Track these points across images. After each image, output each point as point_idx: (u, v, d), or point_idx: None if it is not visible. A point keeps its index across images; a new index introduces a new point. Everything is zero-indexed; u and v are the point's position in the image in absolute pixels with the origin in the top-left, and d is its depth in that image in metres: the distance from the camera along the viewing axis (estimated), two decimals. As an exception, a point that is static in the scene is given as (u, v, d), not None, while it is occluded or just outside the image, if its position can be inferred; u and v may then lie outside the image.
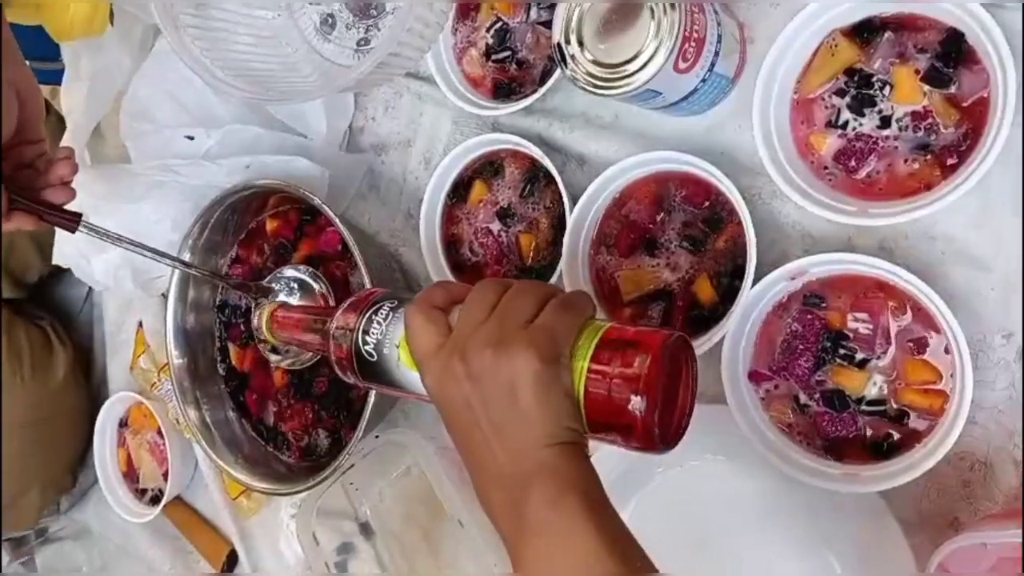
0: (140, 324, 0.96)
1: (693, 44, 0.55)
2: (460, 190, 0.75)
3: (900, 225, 0.57)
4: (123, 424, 1.02)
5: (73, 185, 0.66)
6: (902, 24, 0.55)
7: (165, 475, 0.96)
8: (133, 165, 0.78)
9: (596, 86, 0.56)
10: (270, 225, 0.83)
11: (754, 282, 0.58)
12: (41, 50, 0.87)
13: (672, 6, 0.53)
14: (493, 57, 0.72)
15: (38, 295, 1.09)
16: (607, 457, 0.67)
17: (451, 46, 0.75)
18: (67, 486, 1.11)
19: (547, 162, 0.67)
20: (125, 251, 0.73)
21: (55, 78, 0.91)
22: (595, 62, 0.56)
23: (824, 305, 0.58)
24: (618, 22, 0.55)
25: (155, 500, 0.99)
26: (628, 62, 0.55)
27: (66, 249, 0.84)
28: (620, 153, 0.68)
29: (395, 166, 0.83)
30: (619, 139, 0.68)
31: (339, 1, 0.76)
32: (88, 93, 0.77)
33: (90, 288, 1.08)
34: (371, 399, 0.69)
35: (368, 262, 0.70)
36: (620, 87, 0.55)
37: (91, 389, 1.09)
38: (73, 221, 0.65)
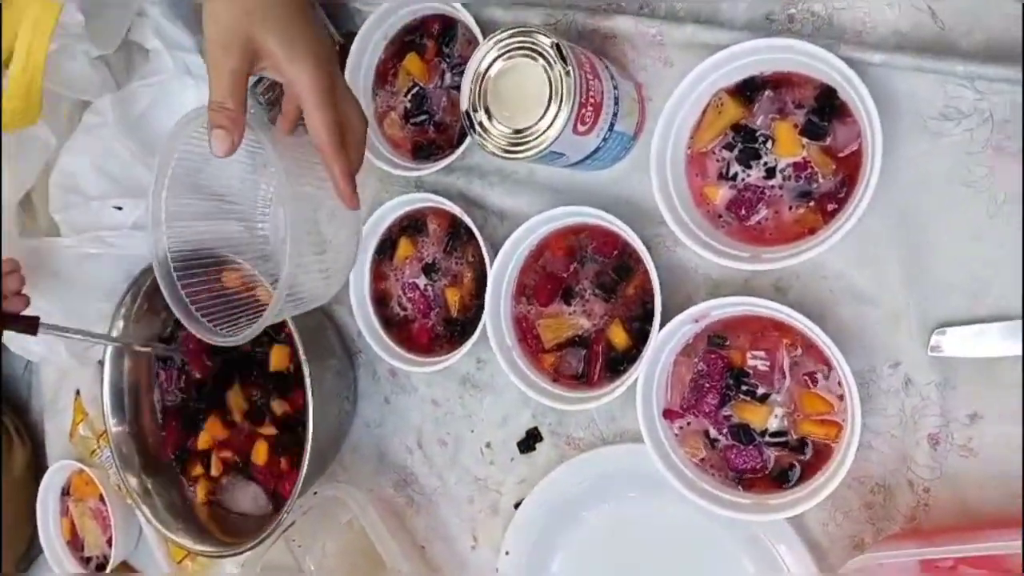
0: (77, 392, 0.97)
1: (591, 108, 0.59)
2: (387, 247, 0.77)
3: (792, 267, 0.61)
4: (65, 492, 1.02)
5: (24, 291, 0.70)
6: (780, 82, 0.59)
7: (109, 541, 0.96)
8: (63, 238, 0.79)
9: (504, 150, 0.59)
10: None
11: (661, 325, 0.62)
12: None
13: (567, 74, 0.57)
14: (411, 120, 0.76)
15: None
16: (532, 510, 0.70)
17: (372, 111, 0.78)
18: (19, 566, 1.11)
19: (467, 218, 0.70)
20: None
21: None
22: (502, 128, 0.59)
23: (727, 344, 0.62)
24: (519, 90, 0.59)
25: (101, 567, 0.98)
26: (530, 127, 0.58)
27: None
28: (535, 207, 0.71)
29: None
30: (534, 194, 0.72)
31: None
32: (10, 171, 0.79)
33: (28, 361, 1.08)
34: (307, 456, 0.71)
35: (299, 325, 0.72)
36: (525, 151, 0.59)
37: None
38: (33, 325, 0.71)
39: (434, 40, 0.74)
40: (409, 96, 0.76)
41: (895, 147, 0.57)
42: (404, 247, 0.76)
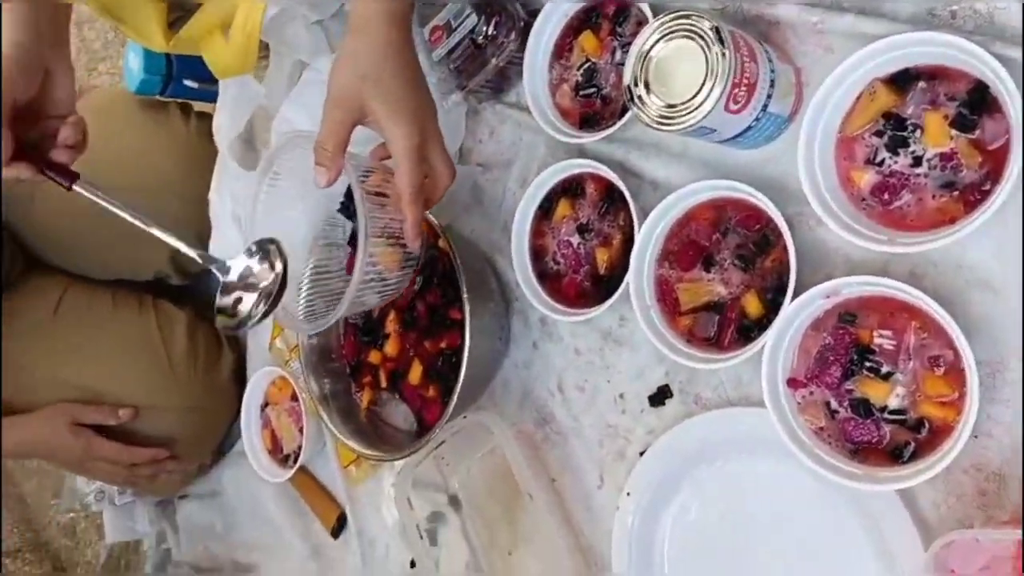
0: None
1: (744, 89, 0.64)
2: (548, 207, 0.85)
3: (929, 254, 0.63)
4: (264, 406, 1.15)
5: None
6: (934, 74, 0.61)
7: (301, 430, 1.07)
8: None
9: (658, 122, 0.65)
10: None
11: (794, 298, 0.66)
12: (206, 74, 1.04)
13: (723, 55, 0.62)
14: (581, 92, 0.83)
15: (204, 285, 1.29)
16: (655, 458, 0.76)
17: (547, 81, 0.85)
18: (212, 458, 1.30)
19: (621, 184, 0.77)
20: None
21: (214, 97, 1.09)
22: (658, 102, 0.65)
23: (856, 322, 0.65)
24: (678, 68, 0.64)
25: (287, 460, 1.12)
26: (685, 103, 0.64)
27: (218, 246, 1.00)
28: (687, 179, 0.76)
29: (496, 184, 0.95)
30: (687, 167, 0.77)
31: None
32: (230, 115, 0.94)
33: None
34: (460, 380, 0.80)
35: (466, 265, 0.82)
36: (678, 124, 0.64)
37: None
38: (69, 178, 0.74)
39: (609, 20, 0.81)
40: (581, 70, 0.82)
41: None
42: (563, 207, 0.83)
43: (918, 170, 0.62)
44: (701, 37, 0.63)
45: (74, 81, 0.79)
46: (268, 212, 0.80)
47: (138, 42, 1.02)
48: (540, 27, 0.84)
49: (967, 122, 0.60)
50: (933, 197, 0.62)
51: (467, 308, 0.80)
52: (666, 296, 0.75)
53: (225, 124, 0.96)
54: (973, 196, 0.60)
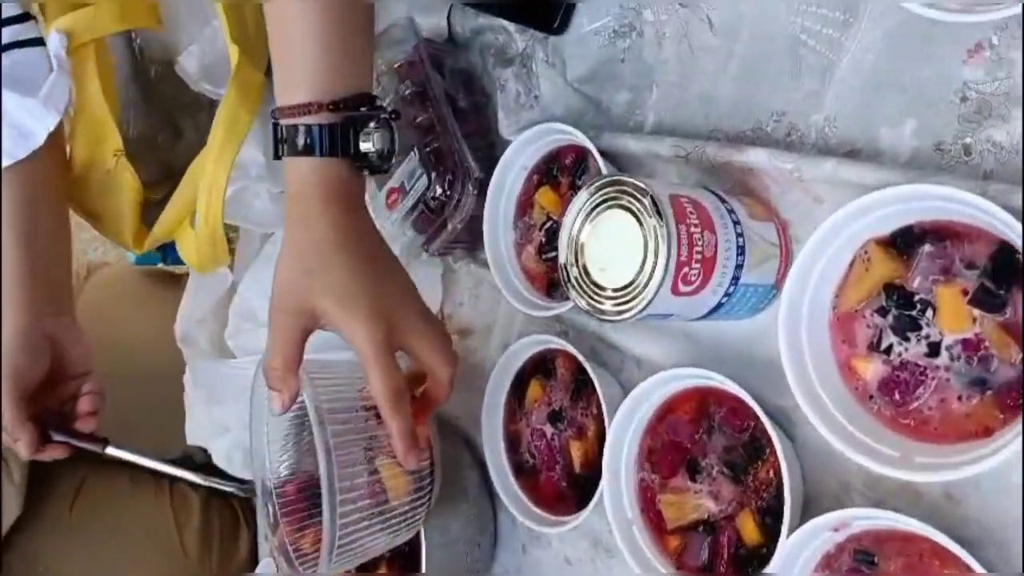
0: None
1: (697, 265, 0.50)
2: (520, 387, 0.73)
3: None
4: None
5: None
6: (944, 234, 0.46)
7: None
8: (233, 360, 0.85)
9: (598, 310, 0.52)
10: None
11: (795, 527, 0.50)
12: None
13: (661, 229, 0.49)
14: (544, 255, 0.71)
15: None
16: None
17: (511, 242, 0.74)
18: None
19: (588, 365, 0.64)
20: (236, 436, 0.79)
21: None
22: (594, 286, 0.52)
23: (875, 563, 0.48)
24: (615, 245, 0.52)
25: None
26: (627, 287, 0.51)
27: (194, 430, 0.92)
28: (669, 357, 0.63)
29: (477, 352, 0.83)
30: (668, 341, 0.64)
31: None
32: (193, 299, 0.87)
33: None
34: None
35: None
36: (623, 313, 0.51)
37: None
38: (101, 444, 0.76)
39: (568, 172, 0.69)
40: (543, 230, 0.71)
41: (1116, 324, 0.42)
42: (534, 389, 0.71)
43: (936, 361, 0.47)
44: (633, 209, 0.50)
45: (84, 339, 0.80)
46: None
47: (116, 243, 0.98)
48: (497, 183, 0.73)
49: (993, 299, 0.44)
50: (960, 399, 0.46)
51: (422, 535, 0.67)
52: (650, 508, 0.61)
53: (187, 310, 0.89)
54: (1011, 397, 0.44)
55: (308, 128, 0.61)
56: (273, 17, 0.64)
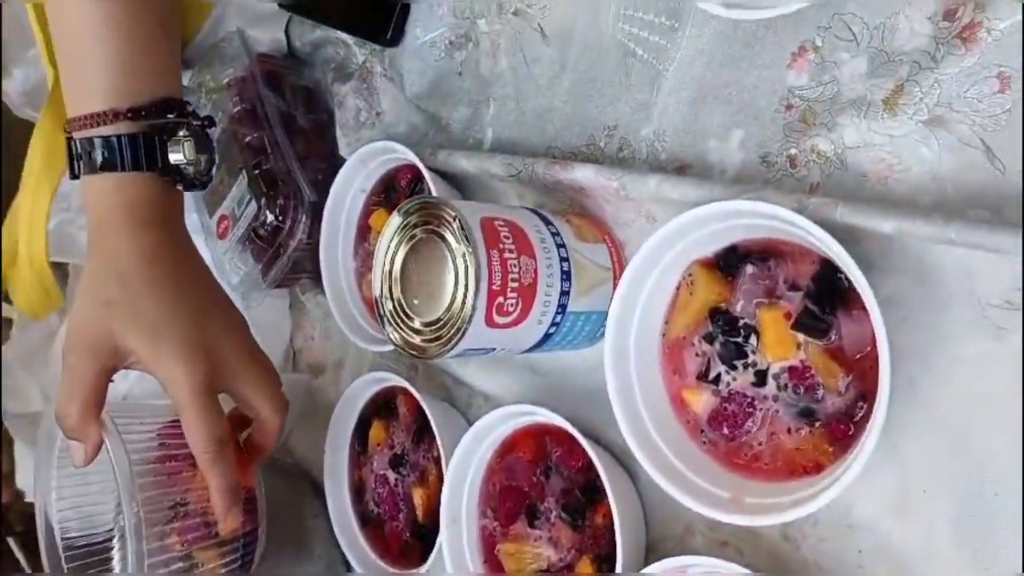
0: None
1: (514, 294, 0.46)
2: (363, 430, 0.67)
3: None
4: None
5: None
6: (767, 253, 0.43)
7: None
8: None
9: (412, 346, 0.47)
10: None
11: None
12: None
13: (471, 256, 0.44)
14: (383, 285, 0.65)
15: None
16: None
17: (352, 270, 0.69)
18: None
19: (424, 405, 0.58)
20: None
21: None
22: (409, 321, 0.47)
23: (714, 615, 0.44)
24: (428, 274, 0.47)
25: None
26: (440, 320, 0.46)
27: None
28: (511, 391, 0.58)
29: (329, 388, 0.77)
30: (510, 374, 0.59)
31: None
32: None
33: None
34: None
35: (272, 509, 0.63)
36: (438, 349, 0.46)
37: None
38: None
39: (404, 193, 0.64)
40: (381, 257, 0.66)
41: (943, 346, 0.39)
42: (376, 431, 0.65)
43: (763, 391, 0.43)
44: (444, 234, 0.45)
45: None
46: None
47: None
48: (333, 208, 0.68)
49: (816, 323, 0.40)
50: (789, 431, 0.42)
51: (247, 586, 0.61)
52: (492, 559, 0.56)
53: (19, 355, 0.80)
54: (840, 429, 0.40)
55: (106, 140, 0.54)
56: (56, 14, 0.56)
